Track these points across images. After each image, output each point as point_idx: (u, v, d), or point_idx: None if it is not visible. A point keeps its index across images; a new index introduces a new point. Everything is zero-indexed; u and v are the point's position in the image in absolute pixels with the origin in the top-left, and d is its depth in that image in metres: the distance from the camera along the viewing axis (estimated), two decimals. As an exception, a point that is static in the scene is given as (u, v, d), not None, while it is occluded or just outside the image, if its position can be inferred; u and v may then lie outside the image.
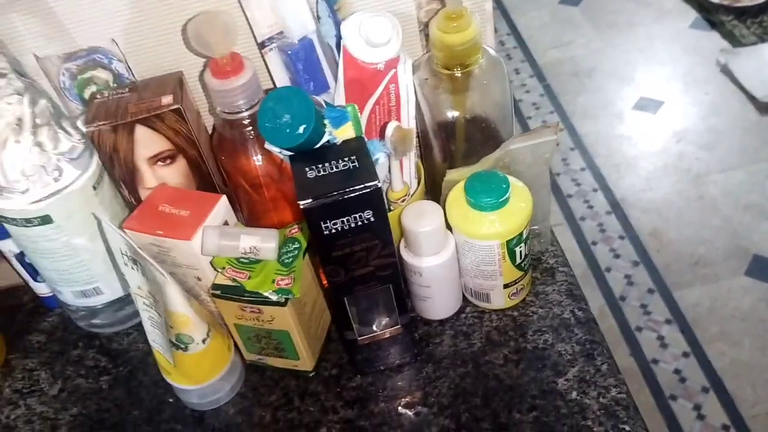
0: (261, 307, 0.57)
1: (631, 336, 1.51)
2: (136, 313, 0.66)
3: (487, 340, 0.63)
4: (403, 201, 0.64)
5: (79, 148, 0.59)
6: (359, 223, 0.51)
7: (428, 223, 0.59)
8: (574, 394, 0.58)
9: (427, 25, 0.65)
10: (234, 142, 0.61)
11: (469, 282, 0.64)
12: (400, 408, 0.60)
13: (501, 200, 0.58)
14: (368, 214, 0.50)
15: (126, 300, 0.68)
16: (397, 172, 0.63)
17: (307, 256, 0.59)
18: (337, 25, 0.60)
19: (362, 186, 0.49)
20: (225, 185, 0.66)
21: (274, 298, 0.56)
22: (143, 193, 0.64)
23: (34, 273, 0.69)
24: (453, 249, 0.61)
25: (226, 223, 0.60)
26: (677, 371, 1.44)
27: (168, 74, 0.63)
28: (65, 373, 0.68)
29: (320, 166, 0.51)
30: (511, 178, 0.60)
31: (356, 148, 0.52)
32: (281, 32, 0.60)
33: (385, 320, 0.60)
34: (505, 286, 0.63)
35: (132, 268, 0.54)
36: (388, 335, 0.60)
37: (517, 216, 0.59)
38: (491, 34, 0.67)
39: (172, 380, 0.61)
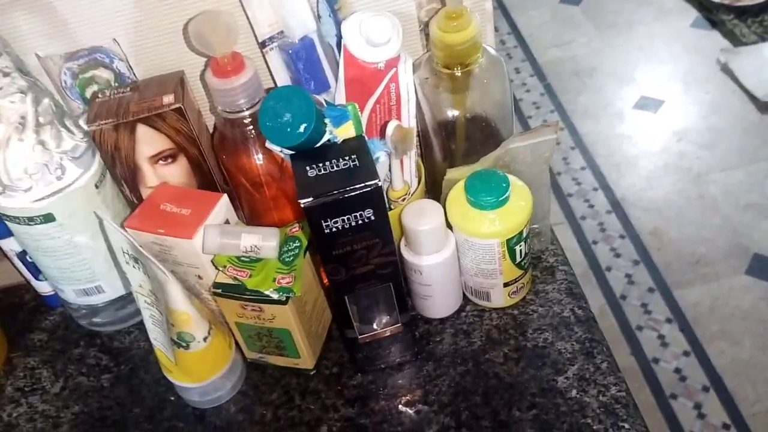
0: (262, 305, 0.57)
1: (631, 335, 1.51)
2: (137, 312, 0.66)
3: (487, 338, 0.64)
4: (403, 200, 0.65)
5: (81, 146, 0.59)
6: (360, 221, 0.51)
7: (428, 222, 0.59)
8: (573, 392, 0.58)
9: (427, 24, 0.65)
10: (235, 141, 0.61)
11: (470, 280, 0.65)
12: (400, 406, 0.60)
13: (501, 199, 0.58)
14: (369, 213, 0.50)
15: (127, 299, 0.68)
16: (398, 171, 0.63)
17: (307, 254, 0.59)
18: (338, 24, 0.60)
19: (363, 185, 0.49)
20: (226, 184, 0.66)
21: (275, 296, 0.56)
22: (144, 192, 0.64)
23: (35, 272, 0.69)
24: (453, 248, 0.62)
25: (227, 222, 0.60)
26: (678, 370, 1.44)
27: (169, 73, 0.64)
28: (67, 372, 0.68)
29: (321, 164, 0.51)
30: (511, 177, 0.60)
31: (357, 147, 0.53)
32: (282, 32, 0.60)
33: (385, 318, 0.60)
34: (505, 284, 0.63)
35: (133, 266, 0.54)
36: (388, 333, 0.61)
37: (517, 215, 0.59)
38: (491, 33, 0.67)
39: (173, 378, 0.61)
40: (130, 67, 0.64)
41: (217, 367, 0.61)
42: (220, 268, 0.58)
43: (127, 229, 0.59)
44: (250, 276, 0.57)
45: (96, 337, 0.71)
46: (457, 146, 0.66)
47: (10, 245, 0.67)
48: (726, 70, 2.02)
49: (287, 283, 0.56)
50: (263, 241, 0.57)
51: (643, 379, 1.43)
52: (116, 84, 0.64)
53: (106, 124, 0.59)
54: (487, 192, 0.59)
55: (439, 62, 0.61)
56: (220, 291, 0.58)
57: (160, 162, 0.62)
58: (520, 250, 0.61)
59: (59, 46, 0.62)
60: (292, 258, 0.58)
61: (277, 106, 0.52)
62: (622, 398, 0.58)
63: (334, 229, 0.51)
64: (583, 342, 0.62)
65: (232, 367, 0.62)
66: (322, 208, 0.49)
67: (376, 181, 0.49)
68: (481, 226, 0.59)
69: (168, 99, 0.60)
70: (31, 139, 0.56)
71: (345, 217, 0.50)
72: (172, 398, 0.64)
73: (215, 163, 0.65)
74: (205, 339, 0.58)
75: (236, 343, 0.64)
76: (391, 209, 0.64)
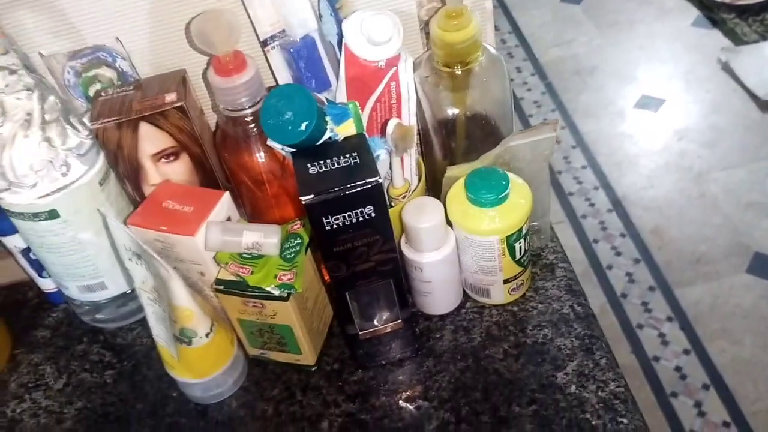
0: (263, 301, 0.58)
1: (632, 333, 1.51)
2: (140, 309, 0.67)
3: (487, 334, 0.64)
4: (404, 197, 0.65)
5: (86, 144, 0.60)
6: (360, 218, 0.51)
7: (429, 219, 0.60)
8: (573, 388, 0.59)
9: (427, 23, 0.65)
10: (237, 139, 0.61)
11: (470, 277, 0.65)
12: (401, 402, 0.61)
13: (501, 196, 0.59)
14: (369, 210, 0.51)
15: (130, 296, 0.69)
16: (398, 169, 0.64)
17: (309, 251, 0.60)
18: (339, 23, 0.60)
19: (363, 182, 0.50)
20: (228, 182, 0.66)
21: (276, 293, 0.57)
22: (147, 190, 0.64)
23: (39, 268, 0.70)
24: (453, 245, 0.62)
25: (229, 219, 0.61)
26: (678, 368, 1.44)
27: (171, 72, 0.64)
28: (70, 368, 0.69)
29: (322, 162, 0.52)
30: (510, 175, 0.60)
31: (357, 144, 0.53)
32: (283, 30, 0.60)
33: (386, 315, 0.61)
34: (505, 281, 0.64)
35: (136, 263, 0.55)
36: (389, 330, 0.61)
37: (517, 212, 0.60)
38: (491, 32, 0.68)
39: (175, 374, 0.62)
40: (133, 65, 0.65)
41: (219, 363, 0.62)
42: (222, 265, 0.59)
43: (130, 226, 0.59)
44: (252, 273, 0.58)
45: (99, 333, 0.71)
46: (458, 144, 0.66)
47: (15, 242, 0.68)
48: (727, 69, 2.02)
49: (288, 279, 0.57)
50: (265, 238, 0.57)
51: (644, 378, 1.44)
52: (119, 82, 0.65)
53: (109, 122, 0.60)
54: (487, 189, 0.59)
55: (440, 61, 0.62)
56: (222, 287, 0.58)
57: (163, 160, 0.63)
58: (520, 247, 0.62)
59: (63, 45, 0.63)
60: (293, 255, 0.59)
61: (278, 104, 0.52)
62: (620, 394, 0.58)
63: (335, 226, 0.51)
64: (582, 338, 0.62)
65: (233, 363, 0.63)
66: (323, 205, 0.50)
67: (376, 178, 0.50)
68: (481, 224, 0.60)
69: (170, 97, 0.60)
70: (37, 136, 0.56)
71: (346, 214, 0.51)
72: (175, 394, 0.65)
73: (217, 161, 0.65)
74: (207, 335, 0.59)
75: (238, 339, 0.64)
76: (391, 207, 0.64)
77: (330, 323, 0.67)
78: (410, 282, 0.65)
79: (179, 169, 0.64)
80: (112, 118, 0.59)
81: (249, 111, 0.59)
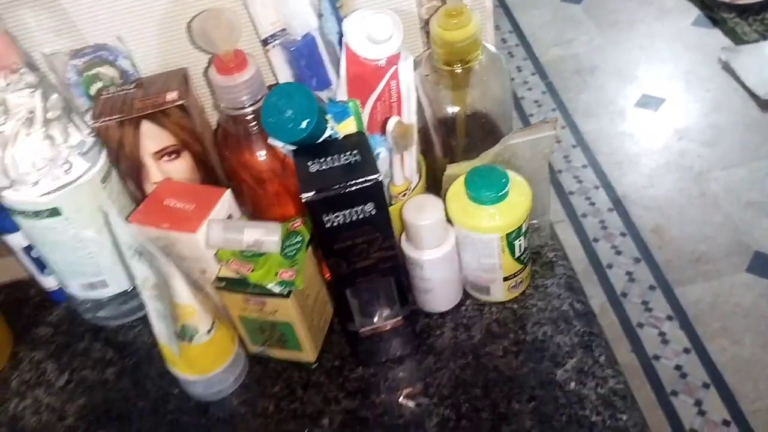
0: (264, 299, 0.58)
1: (632, 332, 1.51)
2: (141, 307, 0.67)
3: (487, 332, 0.64)
4: (404, 195, 0.65)
5: (88, 142, 0.60)
6: (361, 216, 0.51)
7: (429, 217, 0.60)
8: (572, 385, 0.59)
9: (427, 22, 0.66)
10: (238, 137, 0.62)
11: (470, 275, 0.65)
12: (401, 398, 0.61)
13: (500, 194, 0.59)
14: (370, 207, 0.51)
15: (131, 294, 0.69)
16: (399, 167, 0.64)
17: (309, 249, 0.60)
18: (339, 22, 0.61)
19: (364, 179, 0.50)
20: (229, 180, 0.67)
21: (277, 290, 0.57)
22: (149, 188, 0.65)
23: (41, 267, 0.70)
24: (453, 242, 0.62)
25: (230, 217, 0.61)
26: (678, 367, 1.44)
27: (173, 71, 0.64)
28: (72, 365, 0.69)
29: (322, 160, 0.52)
30: (510, 173, 0.61)
31: (358, 142, 0.53)
32: (284, 29, 0.61)
33: (386, 312, 0.61)
34: (505, 279, 0.64)
35: (138, 260, 0.55)
36: (389, 327, 0.61)
37: (517, 210, 0.60)
38: (491, 31, 0.68)
39: (177, 371, 0.62)
40: (134, 64, 0.65)
41: (220, 360, 0.62)
42: (223, 263, 0.59)
43: (131, 223, 0.59)
44: (253, 270, 0.58)
45: (100, 331, 0.72)
46: (458, 142, 0.67)
47: (16, 240, 0.68)
48: (727, 68, 2.03)
49: (289, 277, 0.57)
50: (266, 236, 0.58)
51: (644, 376, 1.44)
52: (121, 81, 0.65)
53: (110, 120, 0.60)
54: (487, 187, 0.59)
55: (440, 59, 0.62)
56: (223, 285, 0.59)
57: (164, 158, 0.63)
58: (520, 245, 0.62)
59: (65, 44, 0.63)
60: (294, 252, 0.59)
61: (279, 102, 0.52)
62: (620, 390, 0.58)
63: (335, 224, 0.51)
64: (581, 335, 0.62)
65: (234, 360, 0.63)
66: (324, 202, 0.50)
67: (376, 175, 0.50)
68: (480, 221, 0.60)
69: (172, 96, 0.60)
70: (39, 134, 0.57)
71: (346, 212, 0.51)
72: (176, 391, 0.65)
73: (218, 159, 0.66)
74: (208, 332, 0.59)
75: (239, 336, 0.64)
76: (392, 204, 0.65)
77: (330, 320, 0.67)
78: (410, 279, 0.65)
79: (180, 167, 0.64)
80: (114, 117, 0.60)
81: (250, 109, 0.59)
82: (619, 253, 1.67)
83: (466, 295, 0.68)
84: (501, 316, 0.65)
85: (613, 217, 1.75)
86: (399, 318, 0.61)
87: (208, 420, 0.63)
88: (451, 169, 0.63)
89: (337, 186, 0.50)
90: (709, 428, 1.34)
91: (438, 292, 0.65)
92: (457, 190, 0.62)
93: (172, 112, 0.60)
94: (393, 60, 0.60)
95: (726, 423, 1.35)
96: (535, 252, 0.70)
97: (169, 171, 0.64)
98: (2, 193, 0.59)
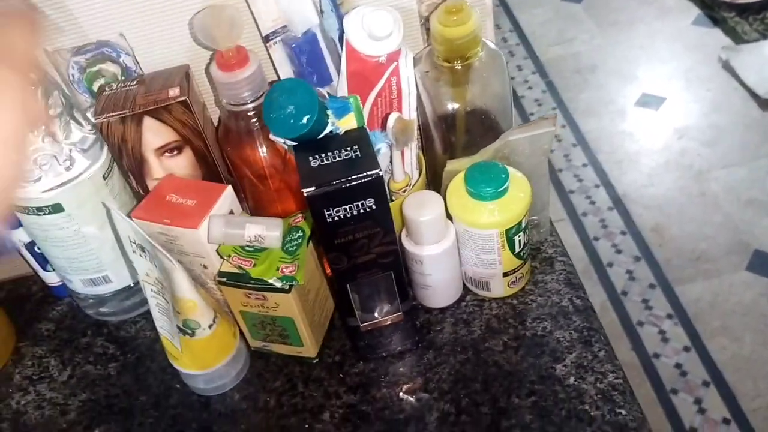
0: (266, 294, 0.58)
1: (632, 330, 1.52)
2: (143, 302, 0.68)
3: (486, 327, 0.65)
4: (404, 191, 0.66)
5: (90, 138, 0.60)
6: (361, 210, 0.52)
7: (429, 213, 0.60)
8: (571, 380, 0.59)
9: (427, 18, 0.66)
10: (239, 133, 0.62)
11: (469, 270, 0.66)
12: (401, 393, 0.61)
13: (500, 190, 0.59)
14: (370, 202, 0.52)
15: (133, 289, 0.70)
16: (399, 163, 0.64)
17: (310, 244, 0.60)
18: (340, 18, 0.61)
19: (364, 174, 0.50)
20: (231, 176, 0.67)
21: (278, 285, 0.57)
22: (151, 184, 0.65)
23: (43, 262, 0.71)
24: (453, 238, 0.63)
25: (231, 213, 0.61)
26: (678, 365, 1.45)
27: (175, 67, 0.65)
28: (74, 360, 0.70)
29: (323, 155, 0.52)
30: (510, 169, 0.61)
31: (358, 137, 0.54)
32: (285, 26, 0.61)
33: (387, 307, 0.61)
34: (505, 274, 0.64)
35: (140, 255, 0.55)
36: (389, 322, 0.62)
37: (516, 205, 0.60)
38: (491, 27, 0.68)
39: (179, 365, 0.62)
40: (137, 61, 0.65)
41: (222, 354, 0.62)
42: (225, 258, 0.59)
43: (134, 219, 0.60)
44: (254, 265, 0.58)
45: (103, 326, 0.72)
46: (457, 138, 0.67)
47: (19, 236, 0.68)
48: (727, 67, 2.03)
49: (290, 272, 0.58)
50: (267, 231, 0.58)
51: (644, 374, 1.44)
52: (123, 77, 0.65)
53: (113, 116, 0.60)
54: (487, 183, 0.60)
55: (440, 56, 0.62)
56: (224, 280, 0.59)
57: (166, 154, 0.63)
58: (519, 241, 0.62)
59: (67, 40, 0.63)
60: (295, 248, 0.59)
61: (280, 98, 0.53)
62: (619, 385, 0.59)
63: (336, 218, 0.52)
64: (581, 331, 0.63)
65: (236, 355, 0.63)
66: (325, 197, 0.51)
67: (377, 170, 0.50)
68: (480, 217, 0.60)
69: (174, 92, 0.61)
70: (41, 131, 0.57)
71: (347, 206, 0.51)
72: (178, 386, 0.65)
73: (220, 155, 0.66)
74: (210, 327, 0.59)
75: (240, 331, 0.65)
76: (392, 200, 0.65)
77: (331, 315, 0.68)
78: (411, 275, 0.65)
79: (182, 163, 0.64)
80: (116, 113, 0.60)
81: (251, 105, 0.60)
82: (619, 251, 1.67)
83: (466, 290, 0.68)
84: (501, 311, 0.66)
85: (613, 215, 1.75)
86: (399, 313, 0.61)
87: (210, 414, 0.63)
88: (451, 165, 0.64)
89: (338, 181, 0.50)
90: (709, 426, 1.35)
91: (438, 287, 0.65)
92: (457, 185, 0.62)
93: (174, 109, 0.60)
94: (393, 56, 0.61)
95: (726, 421, 1.35)
96: (534, 248, 0.70)
97: (170, 167, 0.64)
98: (5, 189, 0.59)
